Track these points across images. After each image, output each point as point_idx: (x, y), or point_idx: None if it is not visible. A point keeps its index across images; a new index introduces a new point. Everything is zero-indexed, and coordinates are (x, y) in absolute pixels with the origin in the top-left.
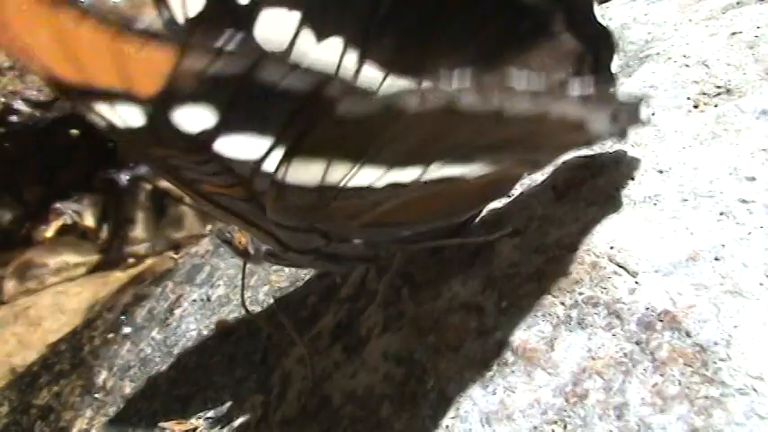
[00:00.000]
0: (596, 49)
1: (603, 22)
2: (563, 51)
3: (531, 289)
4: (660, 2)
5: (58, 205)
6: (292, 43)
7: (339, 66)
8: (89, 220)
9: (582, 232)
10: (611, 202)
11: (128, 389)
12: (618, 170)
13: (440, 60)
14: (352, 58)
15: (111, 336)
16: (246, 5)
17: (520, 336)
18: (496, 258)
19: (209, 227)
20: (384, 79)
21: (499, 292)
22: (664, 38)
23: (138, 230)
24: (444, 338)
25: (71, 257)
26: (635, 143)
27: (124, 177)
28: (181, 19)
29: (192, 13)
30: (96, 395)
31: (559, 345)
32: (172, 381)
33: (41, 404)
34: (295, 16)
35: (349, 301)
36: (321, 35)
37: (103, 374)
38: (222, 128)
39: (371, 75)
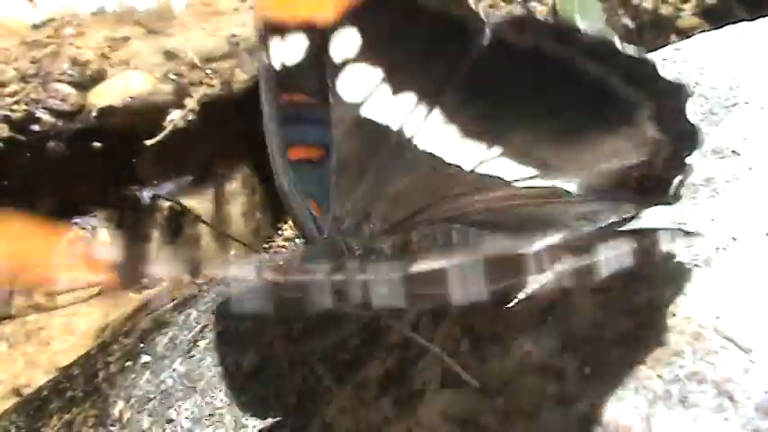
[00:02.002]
0: (678, 142)
1: (694, 120)
2: (642, 139)
3: (620, 355)
4: (740, 44)
5: (77, 220)
6: (370, 96)
7: (405, 123)
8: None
9: (679, 296)
10: (711, 264)
11: (146, 423)
12: (716, 227)
13: (514, 129)
14: (421, 112)
15: (128, 363)
16: (337, 62)
17: (609, 409)
18: (575, 316)
19: (232, 251)
20: (460, 139)
21: (581, 356)
22: (751, 84)
23: (153, 249)
24: (517, 403)
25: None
26: (731, 199)
27: (147, 195)
28: (278, 66)
29: (289, 63)
30: (111, 427)
31: (658, 425)
32: (195, 419)
33: None
34: (377, 72)
35: (399, 348)
36: (397, 89)
37: (120, 405)
38: None
39: (445, 132)
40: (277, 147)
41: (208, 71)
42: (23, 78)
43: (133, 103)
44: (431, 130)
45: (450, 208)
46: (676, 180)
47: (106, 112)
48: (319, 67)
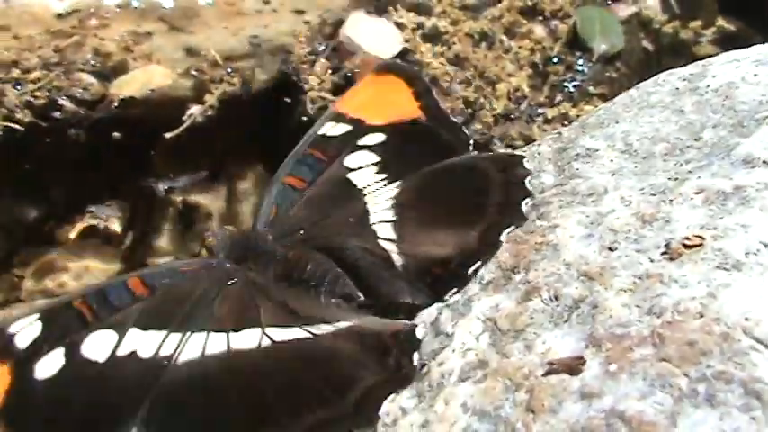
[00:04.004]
0: (479, 251)
1: (504, 238)
2: (463, 241)
3: (646, 354)
4: None
5: (92, 208)
6: (361, 167)
7: (368, 186)
8: (115, 226)
9: (708, 297)
10: (741, 268)
11: None
12: (746, 233)
13: (415, 209)
14: (383, 182)
15: None
16: (358, 144)
17: (633, 406)
18: (601, 315)
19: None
20: (387, 208)
21: (606, 353)
22: None
23: (164, 241)
24: (539, 397)
25: (93, 262)
26: (762, 207)
27: (162, 187)
28: (320, 133)
29: (329, 135)
30: None
31: (683, 422)
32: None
33: None
34: (374, 158)
35: None
36: (380, 171)
37: None
38: None
39: (385, 201)
40: (281, 172)
41: (228, 69)
42: (46, 66)
43: (153, 96)
44: (377, 195)
45: (339, 241)
46: (452, 290)
47: (127, 103)
48: (344, 144)
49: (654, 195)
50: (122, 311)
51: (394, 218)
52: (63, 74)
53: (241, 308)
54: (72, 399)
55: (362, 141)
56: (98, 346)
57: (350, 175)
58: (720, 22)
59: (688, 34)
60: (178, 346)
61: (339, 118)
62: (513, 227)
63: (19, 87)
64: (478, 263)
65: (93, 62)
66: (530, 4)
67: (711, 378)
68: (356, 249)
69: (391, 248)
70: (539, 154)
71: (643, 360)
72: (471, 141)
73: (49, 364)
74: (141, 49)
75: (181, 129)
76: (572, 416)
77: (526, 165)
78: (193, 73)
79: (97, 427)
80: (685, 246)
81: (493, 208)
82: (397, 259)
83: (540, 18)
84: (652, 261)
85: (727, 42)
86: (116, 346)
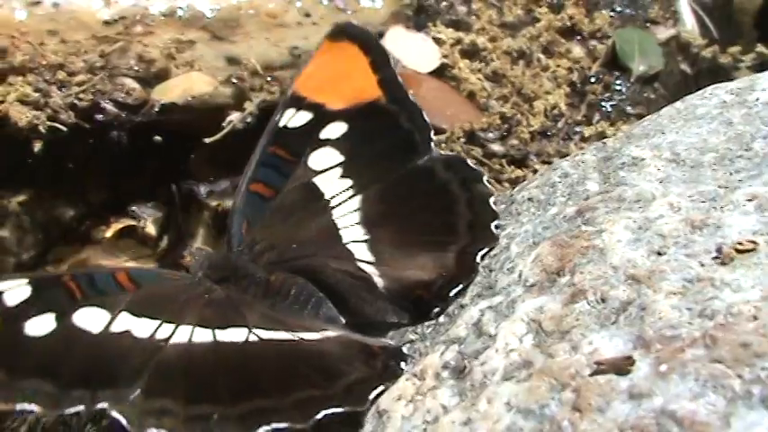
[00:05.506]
0: (460, 275)
1: (479, 262)
2: (442, 264)
3: (698, 355)
4: None
5: (134, 208)
6: (326, 170)
7: (335, 196)
8: (150, 228)
9: (761, 302)
10: None
11: None
12: None
13: (385, 226)
14: (348, 194)
15: None
16: (321, 138)
17: (684, 406)
18: (650, 317)
19: None
20: (356, 223)
21: (656, 354)
22: None
23: (198, 245)
24: (585, 396)
25: (128, 262)
26: None
27: (204, 190)
28: (281, 125)
29: (290, 126)
30: None
31: (737, 423)
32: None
33: None
34: (338, 157)
35: (459, 342)
36: (344, 174)
37: None
38: None
39: (352, 214)
40: (246, 177)
41: (268, 78)
42: (91, 70)
43: (194, 102)
44: (345, 209)
45: (319, 263)
46: (436, 310)
47: (168, 108)
48: (307, 138)
49: (703, 202)
50: (110, 297)
51: (366, 237)
52: (107, 78)
53: (226, 312)
54: (65, 358)
55: (324, 134)
56: (90, 319)
57: (316, 180)
58: (760, 48)
59: (726, 59)
60: (172, 333)
61: (298, 103)
62: (487, 249)
63: (64, 89)
64: (460, 286)
65: (136, 68)
66: (568, 24)
67: (766, 380)
68: (337, 272)
69: (371, 271)
70: (582, 162)
71: (695, 361)
72: (431, 130)
73: (40, 325)
74: (184, 57)
75: (220, 134)
76: (620, 415)
77: (486, 181)
78: (234, 81)
79: (90, 384)
80: (737, 250)
81: (463, 228)
82: (379, 281)
83: (579, 38)
84: (702, 265)
85: (766, 69)
86: (109, 324)
